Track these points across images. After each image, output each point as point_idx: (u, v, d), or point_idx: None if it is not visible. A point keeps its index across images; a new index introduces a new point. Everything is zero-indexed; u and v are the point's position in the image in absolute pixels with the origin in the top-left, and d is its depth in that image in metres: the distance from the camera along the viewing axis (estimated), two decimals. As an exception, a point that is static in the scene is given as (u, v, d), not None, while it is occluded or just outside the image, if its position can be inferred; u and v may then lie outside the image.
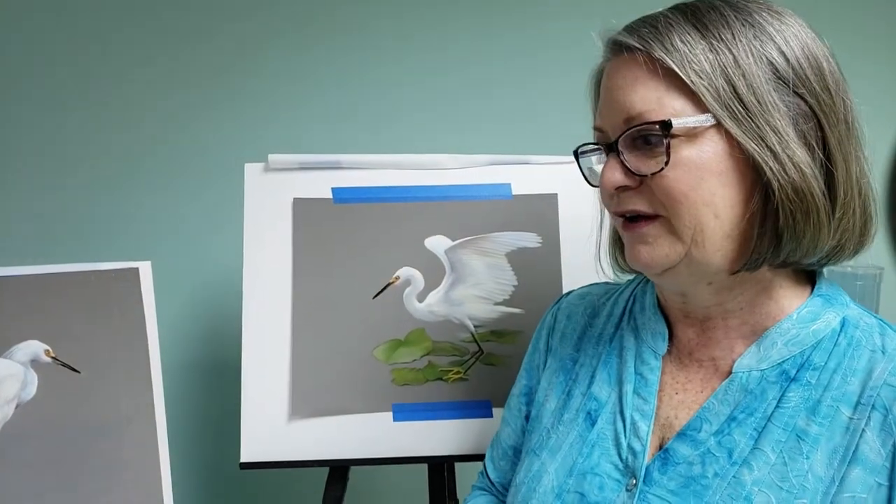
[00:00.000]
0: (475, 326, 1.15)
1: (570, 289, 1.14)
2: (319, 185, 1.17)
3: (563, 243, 1.16)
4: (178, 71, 1.50)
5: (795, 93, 0.65)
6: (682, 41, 0.65)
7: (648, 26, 0.67)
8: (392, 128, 1.52)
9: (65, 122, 1.48)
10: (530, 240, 1.17)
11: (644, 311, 0.81)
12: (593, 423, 0.77)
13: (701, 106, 0.65)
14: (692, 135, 0.65)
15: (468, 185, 1.18)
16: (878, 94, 1.59)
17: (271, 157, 1.17)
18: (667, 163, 0.65)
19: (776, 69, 0.65)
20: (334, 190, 1.17)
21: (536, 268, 1.16)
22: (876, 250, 1.58)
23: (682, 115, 0.65)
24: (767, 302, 0.71)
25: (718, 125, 0.65)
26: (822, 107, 0.66)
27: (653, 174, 0.66)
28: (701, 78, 0.64)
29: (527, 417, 0.91)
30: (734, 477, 0.66)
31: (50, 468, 1.01)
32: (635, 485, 0.71)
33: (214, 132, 1.50)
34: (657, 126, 0.65)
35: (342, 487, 1.14)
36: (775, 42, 0.66)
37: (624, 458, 0.73)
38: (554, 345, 0.89)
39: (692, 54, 0.65)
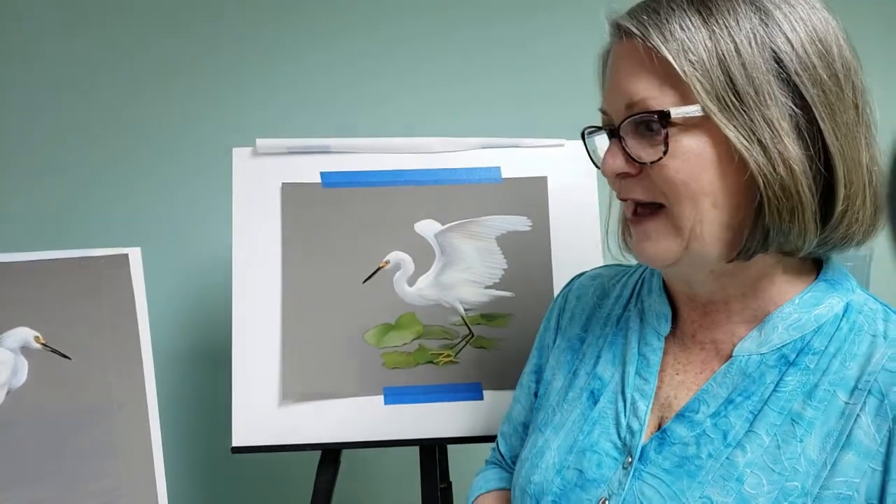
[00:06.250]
0: (465, 310, 1.15)
1: (561, 273, 1.15)
2: (308, 170, 1.16)
3: (552, 226, 1.16)
4: (165, 57, 1.48)
5: (797, 83, 0.63)
6: (682, 28, 0.64)
7: (650, 11, 0.66)
8: (381, 112, 1.51)
9: (53, 110, 1.47)
10: (520, 223, 1.17)
11: (651, 294, 0.81)
12: (595, 402, 0.78)
13: (693, 96, 0.63)
14: (691, 124, 0.64)
15: (458, 169, 1.17)
16: (879, 86, 1.59)
17: (259, 141, 1.16)
18: (665, 152, 0.64)
19: (779, 58, 0.63)
20: (323, 174, 1.16)
21: (526, 251, 1.16)
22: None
23: (680, 105, 0.64)
24: (769, 287, 0.71)
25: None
26: (826, 96, 0.63)
27: (652, 163, 0.65)
28: (695, 69, 0.63)
29: (536, 395, 0.92)
30: (727, 458, 0.67)
31: (41, 454, 1.02)
32: (631, 463, 0.72)
33: (203, 117, 1.49)
34: (655, 115, 0.64)
35: (334, 470, 1.14)
36: (782, 28, 0.63)
37: (622, 436, 0.74)
38: (564, 324, 0.90)
39: (690, 42, 0.63)
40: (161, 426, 1.07)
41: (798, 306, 0.70)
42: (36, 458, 1.02)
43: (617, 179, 0.70)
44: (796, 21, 0.64)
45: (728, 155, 0.64)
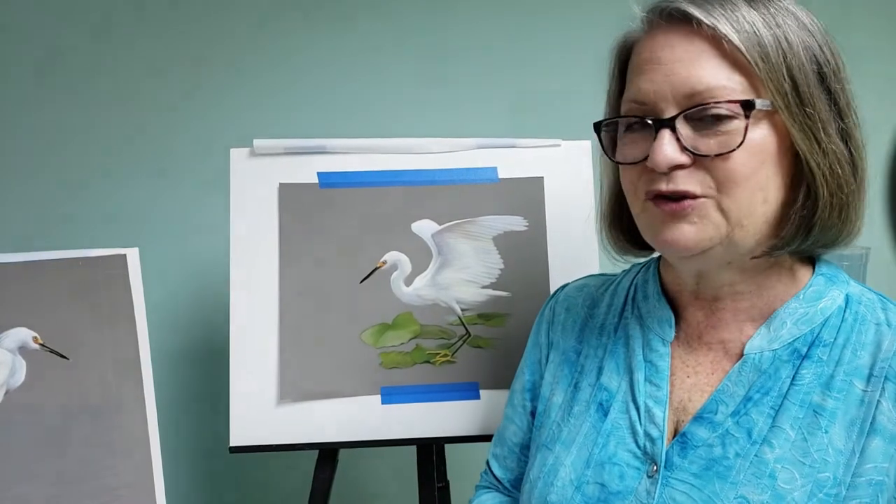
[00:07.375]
0: (462, 309, 1.15)
1: (557, 273, 1.15)
2: (305, 170, 1.17)
3: (549, 226, 1.17)
4: (163, 57, 1.49)
5: (830, 85, 0.65)
6: (746, 21, 0.64)
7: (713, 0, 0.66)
8: (378, 112, 1.52)
9: (51, 111, 1.47)
10: (517, 223, 1.17)
11: (648, 299, 0.81)
12: (606, 414, 0.78)
13: (760, 90, 0.64)
14: (758, 118, 0.65)
15: (454, 169, 1.18)
16: (880, 82, 1.59)
17: (256, 142, 1.16)
18: (740, 144, 0.64)
19: (818, 61, 0.65)
20: (320, 175, 1.17)
21: (523, 251, 1.16)
22: (867, 228, 1.58)
23: (748, 96, 0.64)
24: (775, 284, 0.72)
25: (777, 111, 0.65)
26: (847, 100, 0.66)
27: (717, 155, 0.65)
28: (764, 62, 0.63)
29: (532, 413, 0.91)
30: (756, 456, 0.67)
31: (39, 454, 1.02)
32: (657, 471, 0.71)
33: (200, 118, 1.49)
34: (738, 105, 0.64)
35: (332, 470, 1.15)
36: (813, 35, 0.66)
37: (641, 445, 0.74)
38: (555, 338, 0.89)
39: (757, 36, 0.64)
40: (159, 426, 1.07)
41: (803, 301, 0.72)
42: (34, 458, 1.02)
43: (669, 172, 0.66)
44: (816, 31, 0.67)
45: (785, 151, 0.66)
